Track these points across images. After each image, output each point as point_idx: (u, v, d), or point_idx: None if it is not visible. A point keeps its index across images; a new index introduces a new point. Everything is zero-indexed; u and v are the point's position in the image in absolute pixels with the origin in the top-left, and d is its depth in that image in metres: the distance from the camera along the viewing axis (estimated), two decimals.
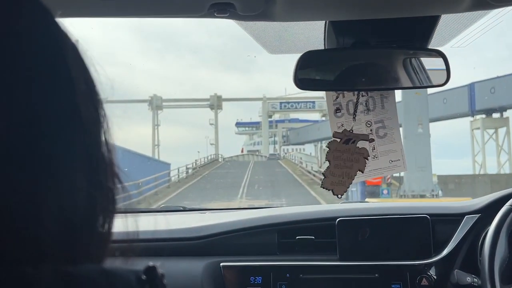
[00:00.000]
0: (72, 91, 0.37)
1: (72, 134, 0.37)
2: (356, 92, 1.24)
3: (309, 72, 1.21)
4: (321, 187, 1.17)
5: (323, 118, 48.34)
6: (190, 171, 28.67)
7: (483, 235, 1.46)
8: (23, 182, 0.33)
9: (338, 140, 1.20)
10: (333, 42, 1.26)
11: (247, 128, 73.74)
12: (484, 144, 25.66)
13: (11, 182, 0.33)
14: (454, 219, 1.50)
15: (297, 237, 1.51)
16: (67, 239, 0.36)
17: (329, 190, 1.16)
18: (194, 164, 32.42)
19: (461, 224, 1.49)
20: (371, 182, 15.35)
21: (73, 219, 0.36)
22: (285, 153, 51.53)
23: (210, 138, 55.61)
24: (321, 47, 1.31)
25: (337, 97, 1.26)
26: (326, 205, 1.70)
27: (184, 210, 2.31)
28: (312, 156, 41.78)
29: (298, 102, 56.66)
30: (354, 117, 1.22)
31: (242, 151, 63.60)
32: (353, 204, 1.67)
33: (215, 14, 1.06)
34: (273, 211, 1.68)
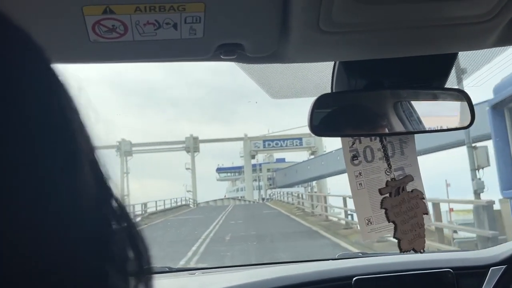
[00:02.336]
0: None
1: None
2: (375, 138, 1.14)
3: (324, 117, 1.10)
4: (401, 252, 1.03)
5: (312, 157, 43.59)
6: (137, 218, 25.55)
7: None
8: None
9: (387, 195, 1.07)
10: (343, 84, 1.16)
11: (229, 174, 67.93)
12: None
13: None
14: (480, 271, 1.38)
15: None
16: None
17: (409, 250, 1.02)
18: (143, 209, 24.99)
19: (487, 278, 1.36)
20: None
21: None
22: (270, 197, 44.57)
23: (188, 185, 49.14)
24: (328, 91, 1.21)
25: (353, 143, 1.16)
26: (339, 261, 1.56)
27: (171, 271, 2.13)
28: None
29: (284, 140, 50.36)
30: (389, 164, 1.10)
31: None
32: (369, 259, 1.53)
33: (222, 56, 0.96)
34: (277, 271, 1.52)
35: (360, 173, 1.13)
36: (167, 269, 2.16)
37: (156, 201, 27.94)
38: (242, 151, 51.51)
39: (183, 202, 36.23)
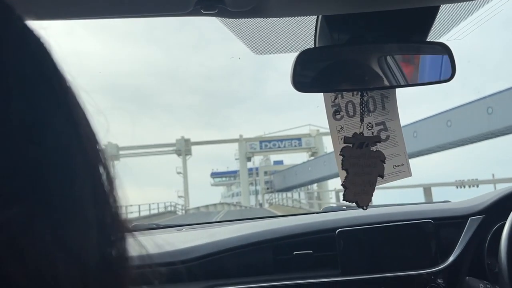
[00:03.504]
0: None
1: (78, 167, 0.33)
2: (357, 92, 1.14)
3: (306, 73, 1.09)
4: (343, 200, 1.05)
5: (312, 158, 40.08)
6: None
7: (489, 237, 1.38)
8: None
9: (351, 145, 1.09)
10: (326, 39, 1.16)
11: (224, 178, 63.19)
12: None
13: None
14: (458, 221, 1.42)
15: (294, 253, 1.39)
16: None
17: (352, 202, 1.04)
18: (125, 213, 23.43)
19: (466, 227, 1.40)
20: None
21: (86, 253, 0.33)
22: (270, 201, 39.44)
23: (180, 190, 43.96)
24: (311, 45, 1.21)
25: (335, 98, 1.16)
26: (324, 214, 1.58)
27: (158, 227, 2.16)
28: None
29: (281, 141, 45.43)
30: (362, 119, 1.11)
31: None
32: (353, 211, 1.56)
33: (202, 11, 0.94)
34: (266, 224, 1.55)
35: (342, 128, 1.14)
36: (154, 225, 2.19)
37: (139, 205, 25.65)
38: (238, 154, 47.01)
39: (171, 208, 32.62)
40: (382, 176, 1.08)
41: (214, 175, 62.94)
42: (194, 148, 43.38)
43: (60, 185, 0.31)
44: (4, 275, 0.28)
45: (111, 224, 0.36)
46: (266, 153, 47.45)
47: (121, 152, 40.20)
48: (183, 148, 40.94)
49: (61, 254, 0.31)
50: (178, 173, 42.94)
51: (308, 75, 1.10)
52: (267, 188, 46.14)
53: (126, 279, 0.37)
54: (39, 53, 0.33)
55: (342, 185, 1.05)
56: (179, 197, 42.06)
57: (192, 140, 43.14)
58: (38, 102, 0.31)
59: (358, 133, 1.16)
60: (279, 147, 45.60)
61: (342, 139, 1.12)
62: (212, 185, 63.75)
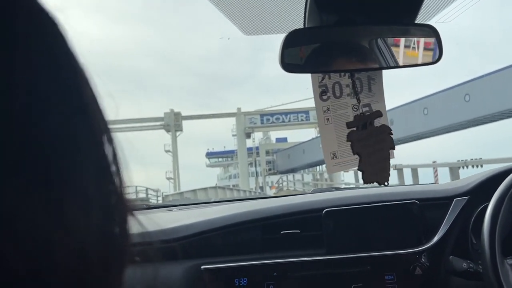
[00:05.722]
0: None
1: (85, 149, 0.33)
2: (344, 74, 1.15)
3: (295, 53, 1.10)
4: (364, 183, 1.06)
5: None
6: None
7: (473, 218, 1.40)
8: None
9: (355, 128, 1.09)
10: (315, 20, 1.16)
11: (220, 159, 55.99)
12: None
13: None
14: (443, 203, 1.44)
15: (281, 232, 1.41)
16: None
17: (373, 182, 1.05)
18: None
19: (451, 208, 1.43)
20: None
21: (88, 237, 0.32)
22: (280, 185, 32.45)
23: (168, 171, 37.62)
24: (301, 26, 1.21)
25: (322, 79, 1.17)
26: (312, 195, 1.60)
27: (149, 207, 2.17)
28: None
29: (286, 114, 37.95)
30: (358, 99, 1.12)
31: None
32: (340, 192, 1.58)
33: None
34: (254, 204, 1.57)
35: (328, 108, 1.15)
36: (145, 206, 2.20)
37: None
38: (235, 129, 39.91)
39: (140, 195, 21.34)
40: (393, 148, 1.09)
41: (209, 155, 56.55)
42: (186, 124, 37.67)
43: (60, 158, 0.30)
44: None
45: (116, 204, 0.35)
46: (268, 128, 40.55)
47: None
48: (172, 122, 35.48)
49: (58, 230, 0.30)
50: (167, 151, 37.44)
51: (296, 55, 1.10)
52: (269, 169, 40.54)
53: (127, 257, 0.37)
54: (49, 26, 0.32)
55: (358, 169, 1.05)
56: (168, 178, 37.25)
57: (183, 114, 37.41)
58: (43, 72, 0.30)
59: (348, 114, 1.17)
60: (283, 121, 38.41)
61: (328, 120, 1.13)
62: (207, 166, 57.77)
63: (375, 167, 1.06)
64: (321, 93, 1.16)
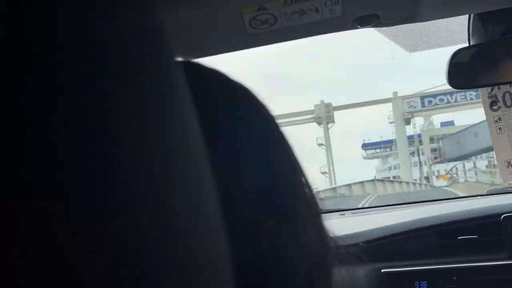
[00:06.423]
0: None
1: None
2: None
3: (461, 71, 1.16)
4: None
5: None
6: None
7: None
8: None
9: None
10: (480, 34, 1.20)
11: (377, 150, 53.12)
12: None
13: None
14: None
15: (458, 238, 1.45)
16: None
17: None
18: None
19: None
20: None
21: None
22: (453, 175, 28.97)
23: (323, 166, 36.63)
24: (465, 38, 1.25)
25: (492, 89, 1.20)
26: (488, 199, 1.61)
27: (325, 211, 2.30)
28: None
29: (451, 94, 32.99)
30: None
31: None
32: None
33: (358, 26, 1.07)
34: (429, 210, 1.63)
35: (499, 118, 1.18)
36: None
37: None
38: (391, 116, 36.62)
39: None
40: None
41: (365, 146, 54.35)
42: (337, 115, 36.82)
43: (295, 203, 0.40)
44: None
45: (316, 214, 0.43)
46: (430, 111, 35.69)
47: None
48: (324, 114, 34.47)
49: (302, 259, 0.38)
50: (319, 144, 36.60)
51: (463, 71, 1.16)
52: (435, 158, 36.86)
53: (334, 261, 0.43)
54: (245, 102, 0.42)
55: None
56: (323, 173, 36.05)
57: (334, 105, 36.27)
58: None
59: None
60: (448, 102, 33.90)
61: (500, 129, 1.16)
62: (364, 158, 55.06)
63: None
64: (491, 103, 1.20)
